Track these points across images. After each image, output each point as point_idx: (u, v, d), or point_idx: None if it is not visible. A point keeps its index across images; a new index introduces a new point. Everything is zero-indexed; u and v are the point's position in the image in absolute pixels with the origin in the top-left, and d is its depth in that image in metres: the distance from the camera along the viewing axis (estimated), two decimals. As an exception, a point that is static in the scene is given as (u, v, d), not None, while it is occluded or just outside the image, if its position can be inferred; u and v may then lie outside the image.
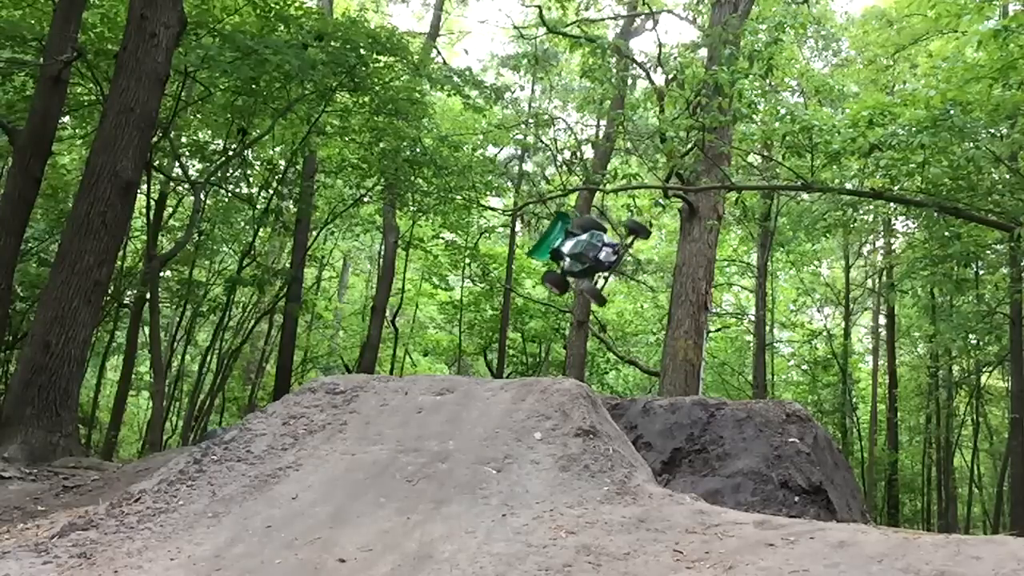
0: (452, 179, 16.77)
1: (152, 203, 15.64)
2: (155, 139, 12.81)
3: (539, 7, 17.22)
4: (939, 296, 20.59)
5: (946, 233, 13.97)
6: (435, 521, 4.53)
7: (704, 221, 13.68)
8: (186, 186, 16.54)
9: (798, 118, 11.40)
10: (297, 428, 5.72)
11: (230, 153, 15.95)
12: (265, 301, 18.81)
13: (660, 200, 14.60)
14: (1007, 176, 12.90)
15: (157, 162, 15.09)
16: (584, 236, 7.31)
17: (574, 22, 17.83)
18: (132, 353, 16.22)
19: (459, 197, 17.88)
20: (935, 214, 13.50)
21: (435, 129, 17.72)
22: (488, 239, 23.98)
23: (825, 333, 24.10)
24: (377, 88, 14.92)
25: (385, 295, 19.53)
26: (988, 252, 16.68)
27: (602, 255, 7.00)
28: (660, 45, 16.17)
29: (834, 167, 11.95)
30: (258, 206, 16.95)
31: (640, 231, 7.57)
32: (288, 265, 18.73)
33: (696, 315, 13.31)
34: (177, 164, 16.21)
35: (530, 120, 21.00)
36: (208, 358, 17.41)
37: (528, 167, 23.05)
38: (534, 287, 25.75)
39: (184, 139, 16.82)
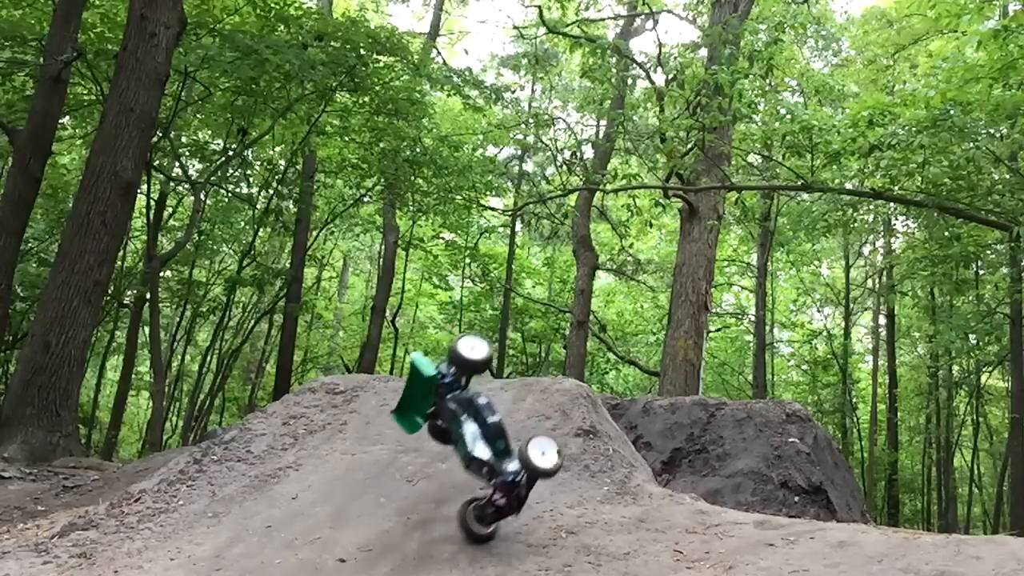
0: (452, 179, 16.77)
1: (152, 203, 15.64)
2: (155, 139, 12.81)
3: (539, 7, 17.23)
4: (939, 296, 20.59)
5: (946, 233, 13.97)
6: (435, 521, 4.53)
7: (704, 221, 13.69)
8: (186, 186, 16.55)
9: (798, 118, 11.41)
10: (297, 428, 5.72)
11: (230, 153, 15.96)
12: (265, 301, 18.82)
13: (660, 200, 14.60)
14: (1007, 176, 12.90)
15: (157, 162, 15.09)
16: (465, 427, 4.25)
17: (574, 22, 17.84)
18: (132, 353, 16.22)
19: (459, 197, 17.89)
20: (935, 214, 13.50)
21: (435, 129, 17.72)
22: (488, 239, 23.98)
23: (825, 333, 24.08)
24: (377, 88, 14.92)
25: (385, 295, 19.53)
26: (988, 252, 16.67)
27: (497, 498, 4.06)
28: (660, 45, 16.18)
29: (834, 167, 11.95)
30: (258, 206, 16.96)
31: (539, 473, 4.09)
32: (288, 265, 18.74)
33: (696, 315, 13.31)
34: (177, 164, 16.21)
35: (530, 120, 21.00)
36: (208, 358, 17.42)
37: (528, 167, 23.07)
38: (534, 287, 25.78)
39: (184, 139, 16.82)
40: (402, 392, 4.72)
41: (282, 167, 17.81)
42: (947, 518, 20.51)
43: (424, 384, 4.48)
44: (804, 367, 25.23)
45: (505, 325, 22.03)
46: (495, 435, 4.24)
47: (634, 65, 17.00)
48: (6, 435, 8.73)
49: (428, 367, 4.48)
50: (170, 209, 17.71)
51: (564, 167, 20.68)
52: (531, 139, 21.45)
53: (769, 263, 21.17)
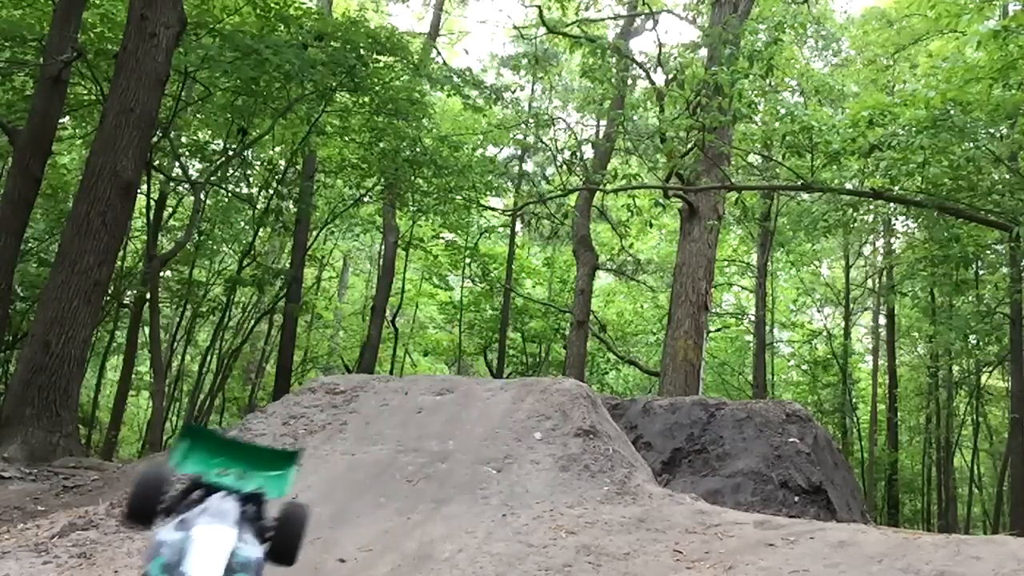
0: (452, 179, 16.77)
1: (152, 203, 15.64)
2: (155, 139, 12.82)
3: (539, 7, 17.23)
4: (939, 296, 20.58)
5: (946, 233, 13.97)
6: (435, 521, 4.53)
7: (704, 221, 13.69)
8: (186, 186, 16.55)
9: (798, 118, 11.39)
10: (297, 428, 5.72)
11: (230, 153, 15.96)
12: (265, 301, 18.82)
13: (660, 200, 14.59)
14: (1007, 176, 12.90)
15: (157, 162, 15.10)
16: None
17: (574, 22, 17.84)
18: (132, 353, 16.22)
19: (459, 197, 17.89)
20: (935, 214, 13.50)
21: (435, 129, 17.72)
22: (488, 239, 23.98)
23: (825, 333, 24.08)
24: (377, 88, 14.92)
25: (385, 295, 19.53)
26: (988, 252, 16.66)
27: None
28: (660, 45, 16.20)
29: (834, 167, 11.95)
30: (258, 206, 16.96)
31: None
32: (288, 265, 18.74)
33: (696, 315, 13.31)
34: (177, 164, 16.22)
35: (530, 120, 21.00)
36: (208, 358, 17.42)
37: (528, 167, 23.06)
38: (534, 287, 25.77)
39: (184, 139, 16.83)
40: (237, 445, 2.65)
41: (282, 167, 17.81)
42: (947, 518, 20.51)
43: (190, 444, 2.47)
44: (804, 367, 25.23)
45: (505, 325, 22.03)
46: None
47: (634, 65, 17.00)
48: (6, 435, 8.72)
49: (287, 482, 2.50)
50: (170, 209, 17.71)
51: (564, 167, 20.66)
52: (531, 139, 21.45)
53: (769, 263, 21.18)
